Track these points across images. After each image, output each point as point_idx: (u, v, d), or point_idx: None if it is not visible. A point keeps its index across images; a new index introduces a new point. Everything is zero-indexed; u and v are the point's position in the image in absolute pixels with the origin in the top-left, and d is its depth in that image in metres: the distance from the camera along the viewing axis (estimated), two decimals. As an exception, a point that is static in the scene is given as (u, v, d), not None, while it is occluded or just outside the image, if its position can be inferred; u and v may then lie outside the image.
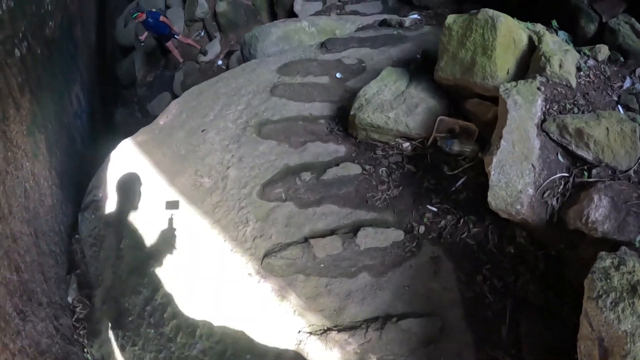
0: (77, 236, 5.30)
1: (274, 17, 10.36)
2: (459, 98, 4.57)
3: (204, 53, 11.11)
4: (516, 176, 3.48)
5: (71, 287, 5.24)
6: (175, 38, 10.69)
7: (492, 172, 3.49)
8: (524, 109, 3.65)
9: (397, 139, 4.60)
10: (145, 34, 10.47)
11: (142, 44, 11.33)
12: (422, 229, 4.09)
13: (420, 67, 5.52)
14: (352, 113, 4.58)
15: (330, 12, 8.27)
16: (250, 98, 5.53)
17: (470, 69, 4.16)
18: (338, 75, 5.71)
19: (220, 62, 10.81)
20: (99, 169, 5.47)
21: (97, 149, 8.17)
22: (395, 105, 4.49)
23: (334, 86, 5.54)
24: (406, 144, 4.58)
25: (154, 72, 12.64)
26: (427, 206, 4.22)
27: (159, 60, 12.49)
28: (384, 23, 7.02)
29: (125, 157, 5.36)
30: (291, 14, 9.60)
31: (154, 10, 10.88)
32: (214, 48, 11.08)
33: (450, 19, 4.34)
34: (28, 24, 4.79)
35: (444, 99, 4.60)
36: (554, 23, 4.67)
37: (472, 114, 4.39)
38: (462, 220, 4.05)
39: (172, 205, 4.59)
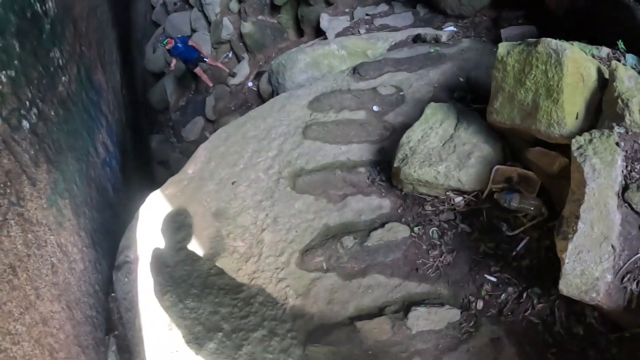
0: (113, 294, 4.85)
1: (300, 34, 9.67)
2: (518, 143, 3.78)
3: (233, 75, 10.54)
4: (594, 262, 2.69)
5: (110, 350, 4.80)
6: (205, 61, 10.15)
7: (567, 260, 2.71)
8: (603, 175, 2.82)
9: (447, 192, 3.87)
10: (174, 62, 9.89)
11: (171, 71, 10.84)
12: (480, 304, 3.37)
13: (465, 95, 4.77)
14: (396, 165, 3.85)
15: (359, 28, 7.52)
16: (281, 142, 4.88)
17: (532, 114, 3.36)
18: (375, 108, 4.98)
19: (250, 84, 10.22)
20: (128, 227, 4.96)
21: (132, 190, 7.75)
22: (444, 156, 3.74)
23: (372, 122, 4.82)
24: (458, 199, 3.84)
25: (185, 97, 12.21)
26: (485, 275, 3.48)
27: (190, 85, 12.04)
28: (418, 39, 6.22)
29: (155, 214, 4.83)
30: (318, 31, 8.87)
31: (181, 36, 10.39)
32: (243, 70, 10.49)
33: (502, 49, 3.54)
34: (36, 89, 4.24)
35: (498, 143, 3.81)
36: (621, 44, 3.78)
37: (534, 164, 3.60)
38: (525, 294, 3.30)
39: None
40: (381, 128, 4.70)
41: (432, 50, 5.72)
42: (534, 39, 3.41)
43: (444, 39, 5.92)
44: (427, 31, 6.26)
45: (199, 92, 11.87)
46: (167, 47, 9.46)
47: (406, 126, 4.68)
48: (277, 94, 6.71)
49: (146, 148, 11.53)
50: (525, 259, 3.54)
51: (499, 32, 5.88)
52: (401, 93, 5.09)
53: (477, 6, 6.37)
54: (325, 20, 8.52)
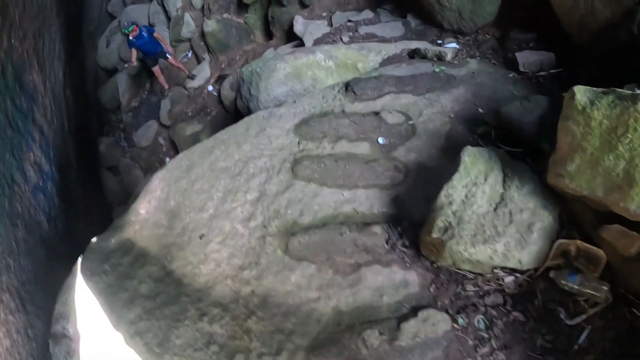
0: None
1: (269, 36, 8.28)
2: (581, 210, 2.68)
3: (192, 77, 8.99)
4: None
5: None
6: (167, 58, 8.52)
7: None
8: None
9: (495, 270, 2.72)
10: (135, 54, 8.13)
11: (127, 66, 9.08)
12: None
13: (489, 131, 3.65)
14: (435, 236, 2.62)
15: (340, 35, 6.28)
16: (263, 181, 3.56)
17: (622, 189, 2.23)
18: (381, 140, 3.76)
19: (210, 88, 8.72)
20: (65, 284, 3.49)
21: (76, 208, 6.17)
22: (501, 227, 2.56)
23: (379, 159, 3.59)
24: (509, 279, 2.70)
25: (139, 97, 10.49)
26: (548, 380, 2.38)
27: (144, 84, 10.32)
28: (415, 54, 5.04)
29: (97, 274, 3.40)
30: (290, 35, 7.53)
31: (147, 25, 8.71)
32: (204, 72, 8.96)
33: (582, 95, 2.39)
34: None
35: (557, 208, 2.68)
36: None
37: (606, 242, 2.52)
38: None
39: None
40: (392, 168, 3.48)
41: (437, 69, 4.56)
42: (630, 92, 2.30)
43: (449, 57, 4.77)
44: (427, 46, 5.09)
45: (153, 92, 10.20)
46: (130, 35, 7.75)
47: (421, 167, 3.49)
48: (249, 108, 5.33)
49: (95, 153, 9.78)
50: (588, 354, 2.49)
51: (507, 54, 4.79)
52: (410, 122, 3.88)
53: (479, 23, 5.26)
54: (299, 24, 7.18)
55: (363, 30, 6.18)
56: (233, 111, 7.86)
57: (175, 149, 8.80)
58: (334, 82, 4.95)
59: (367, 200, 3.29)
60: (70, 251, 4.28)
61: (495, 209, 2.66)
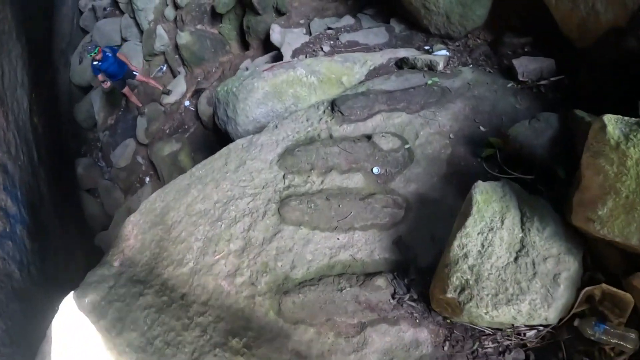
0: None
1: (245, 46, 7.77)
2: (606, 252, 2.31)
3: (168, 93, 8.45)
4: None
5: None
6: (134, 76, 7.91)
7: None
8: None
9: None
10: (104, 81, 7.44)
11: (105, 88, 8.51)
12: None
13: (494, 154, 3.26)
14: (450, 296, 2.18)
15: (321, 44, 5.83)
16: (247, 227, 3.10)
17: None
18: (375, 170, 3.32)
19: (187, 103, 8.20)
20: (39, 353, 3.02)
21: (55, 243, 5.66)
22: (524, 282, 2.13)
23: (375, 192, 3.13)
24: (531, 332, 2.32)
25: (115, 115, 9.90)
26: None
27: (119, 101, 9.73)
28: (404, 63, 4.62)
29: (69, 342, 2.95)
30: (267, 45, 7.04)
31: (110, 45, 8.08)
32: (179, 87, 8.42)
33: (614, 127, 1.98)
34: None
35: (581, 251, 2.30)
36: None
37: (637, 289, 2.16)
38: None
39: None
40: (391, 204, 3.05)
41: (429, 81, 4.15)
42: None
43: (440, 66, 4.35)
44: (416, 55, 4.66)
45: (129, 110, 9.62)
46: (96, 58, 7.10)
47: (423, 200, 3.08)
48: (226, 131, 4.88)
49: (72, 176, 9.22)
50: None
51: (502, 60, 4.38)
52: (407, 146, 3.45)
53: (469, 26, 4.84)
54: (276, 33, 6.71)
55: (344, 38, 5.73)
56: (212, 127, 7.38)
57: (154, 168, 8.29)
58: (318, 99, 4.52)
59: (366, 244, 2.87)
60: (49, 297, 3.82)
61: (515, 259, 2.26)
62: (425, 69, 4.46)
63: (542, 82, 3.99)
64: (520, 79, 4.02)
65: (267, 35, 6.92)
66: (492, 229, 2.34)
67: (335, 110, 3.96)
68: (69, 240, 6.74)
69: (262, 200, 3.26)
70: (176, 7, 8.51)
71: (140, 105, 8.60)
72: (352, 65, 4.72)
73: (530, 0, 4.29)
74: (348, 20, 6.09)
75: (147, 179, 8.67)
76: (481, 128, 3.60)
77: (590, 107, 2.92)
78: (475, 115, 3.69)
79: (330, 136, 3.74)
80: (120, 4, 9.72)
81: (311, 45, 5.87)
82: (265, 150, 3.73)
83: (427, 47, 5.14)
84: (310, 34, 6.50)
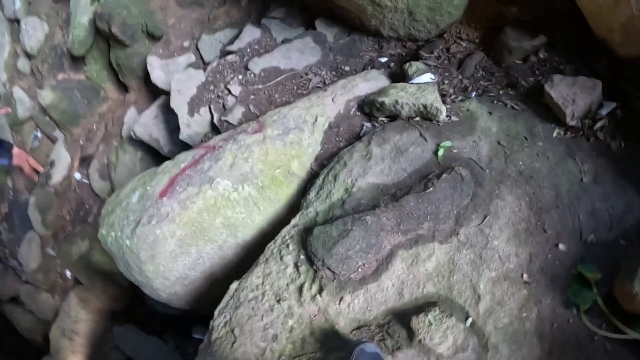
0: None
1: (124, 87, 5.17)
2: None
3: (50, 165, 5.81)
4: None
5: None
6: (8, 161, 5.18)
7: None
8: None
9: None
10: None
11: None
12: None
13: (597, 303, 1.53)
14: None
15: (226, 84, 3.52)
16: None
17: None
18: None
19: (78, 176, 5.62)
20: None
21: None
22: None
23: None
24: None
25: (6, 200, 7.11)
26: None
27: (4, 181, 6.94)
28: (374, 108, 2.57)
29: None
30: (149, 83, 4.56)
31: None
32: (62, 157, 5.76)
33: None
34: None
35: None
36: None
37: None
38: None
39: None
40: None
41: (440, 152, 2.19)
42: None
43: (443, 115, 2.34)
44: (390, 91, 2.57)
45: (19, 191, 6.86)
46: None
47: None
48: (144, 293, 2.76)
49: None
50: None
51: (513, 76, 2.49)
52: (469, 322, 1.61)
53: (443, 23, 2.76)
54: (157, 69, 4.26)
55: (257, 65, 3.45)
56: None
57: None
58: (265, 217, 2.46)
59: None
60: None
61: None
62: (417, 117, 2.45)
63: (599, 122, 2.19)
64: (570, 123, 2.18)
65: (146, 71, 4.44)
66: None
67: (317, 267, 1.97)
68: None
69: None
70: (29, 56, 5.61)
71: (42, 170, 5.88)
72: (299, 137, 2.59)
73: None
74: (251, 32, 3.74)
75: (68, 272, 6.31)
76: (560, 247, 1.80)
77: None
78: (539, 218, 1.89)
79: (335, 333, 1.80)
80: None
81: (212, 89, 3.55)
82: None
83: (382, 59, 3.07)
84: (202, 60, 4.12)
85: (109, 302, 5.41)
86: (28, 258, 6.55)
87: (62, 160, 5.67)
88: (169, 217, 2.37)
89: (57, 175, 5.73)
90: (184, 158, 2.63)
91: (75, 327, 5.66)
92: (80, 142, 5.53)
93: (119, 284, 5.09)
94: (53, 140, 6.03)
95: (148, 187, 2.58)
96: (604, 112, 2.25)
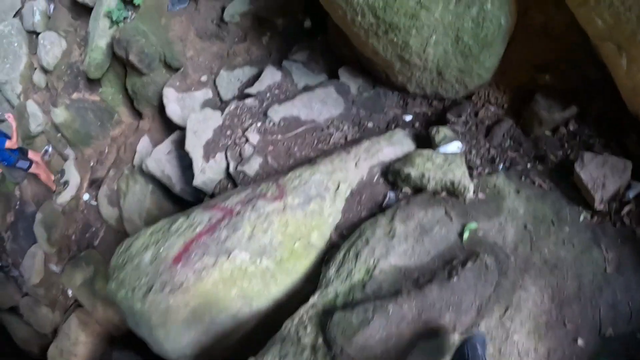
0: None
1: (138, 113, 5.09)
2: None
3: (64, 185, 5.73)
4: None
5: None
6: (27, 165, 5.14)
7: None
8: None
9: None
10: None
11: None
12: None
13: None
14: None
15: (244, 130, 3.40)
16: None
17: None
18: None
19: (87, 197, 5.54)
20: None
21: None
22: None
23: None
24: None
25: (12, 210, 7.06)
26: None
27: (12, 191, 6.88)
28: (398, 178, 2.46)
29: None
30: (163, 115, 4.45)
31: None
32: (72, 178, 5.68)
33: None
34: None
35: None
36: None
37: None
38: None
39: None
40: None
41: (465, 235, 2.08)
42: None
43: (471, 192, 2.25)
44: (418, 161, 2.46)
45: (25, 202, 6.81)
46: None
47: None
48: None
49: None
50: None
51: (540, 148, 2.40)
52: None
53: (472, 84, 2.66)
54: (172, 102, 4.18)
55: (277, 113, 3.35)
56: (123, 230, 4.98)
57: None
58: (281, 289, 2.37)
59: None
60: None
61: None
62: (443, 192, 2.35)
63: (626, 206, 2.10)
64: (599, 207, 2.08)
65: (161, 101, 4.36)
66: None
67: (336, 354, 1.87)
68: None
69: None
70: (45, 70, 5.55)
71: (54, 188, 5.82)
72: (320, 206, 2.49)
73: (570, 44, 2.27)
74: (272, 75, 3.65)
75: (70, 291, 6.24)
76: (579, 342, 1.73)
77: None
78: (560, 310, 1.82)
79: None
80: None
81: (229, 134, 3.46)
82: None
83: (407, 118, 2.97)
84: (220, 98, 4.04)
85: (109, 327, 5.33)
86: (31, 271, 6.48)
87: (72, 180, 5.59)
88: (182, 287, 2.27)
89: (65, 196, 5.65)
90: (200, 220, 2.52)
91: (74, 349, 5.57)
92: (91, 163, 5.45)
93: (121, 312, 4.99)
94: (64, 158, 5.96)
95: (161, 250, 2.48)
96: (631, 194, 2.15)
